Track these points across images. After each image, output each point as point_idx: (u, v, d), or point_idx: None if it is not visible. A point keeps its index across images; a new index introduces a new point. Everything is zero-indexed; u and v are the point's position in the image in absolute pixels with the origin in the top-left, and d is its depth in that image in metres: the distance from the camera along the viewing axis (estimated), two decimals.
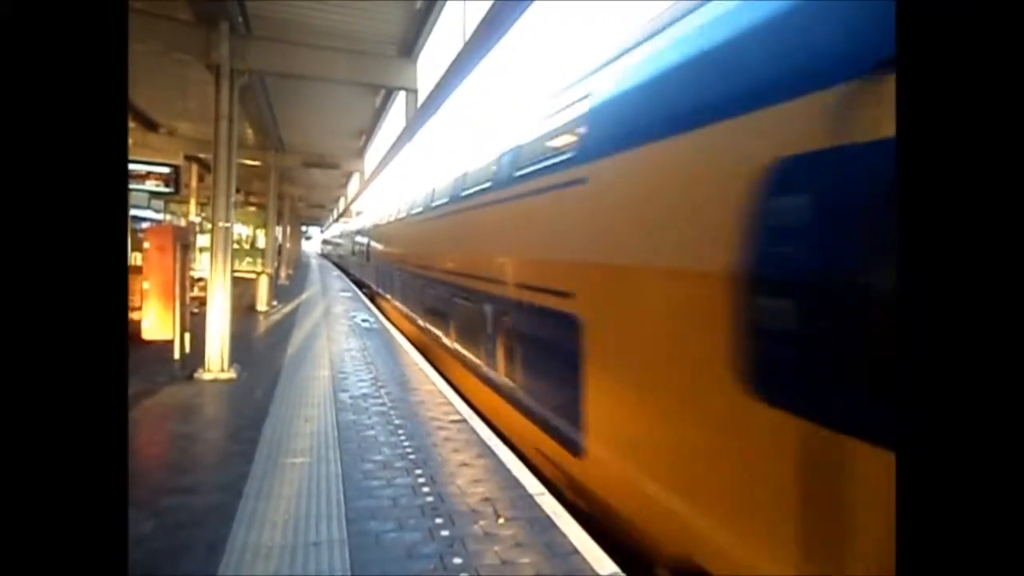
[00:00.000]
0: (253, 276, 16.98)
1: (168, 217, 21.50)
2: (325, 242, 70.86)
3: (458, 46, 6.28)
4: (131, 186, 12.40)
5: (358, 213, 33.96)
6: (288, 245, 28.30)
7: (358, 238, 27.29)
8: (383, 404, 6.42)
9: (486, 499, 4.08)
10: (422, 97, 8.46)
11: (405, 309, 12.83)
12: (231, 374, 7.46)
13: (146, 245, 7.58)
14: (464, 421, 5.94)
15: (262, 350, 9.45)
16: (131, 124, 12.97)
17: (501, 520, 3.78)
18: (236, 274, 9.41)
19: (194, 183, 16.56)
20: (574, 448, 4.41)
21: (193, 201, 17.28)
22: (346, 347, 9.90)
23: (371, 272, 20.85)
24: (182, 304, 7.43)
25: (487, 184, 6.84)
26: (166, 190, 13.66)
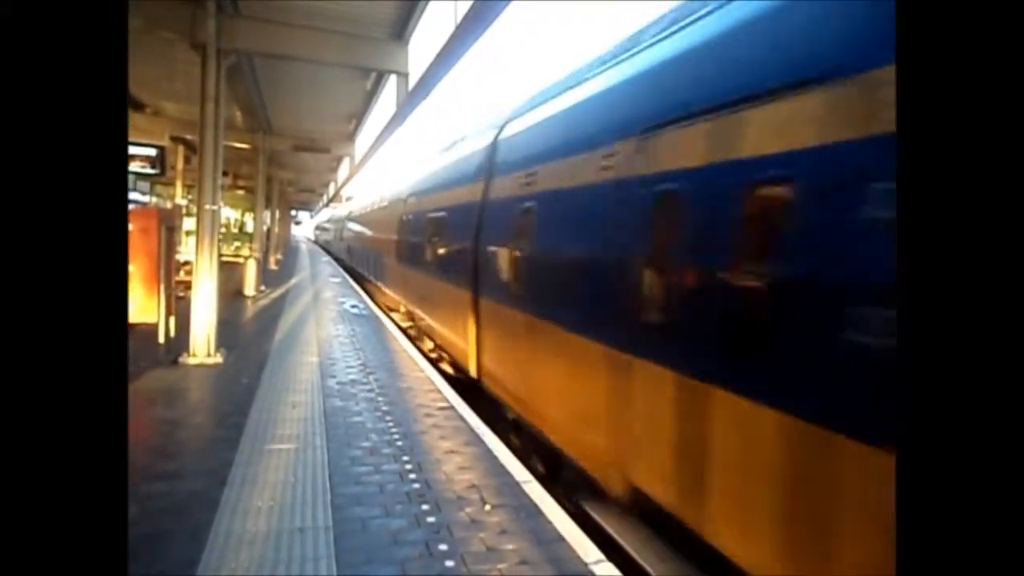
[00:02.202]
0: (241, 261, 16.80)
1: (154, 199, 21.18)
2: (319, 228, 62.64)
3: (450, 29, 6.19)
4: None
5: (347, 199, 33.07)
6: (277, 230, 28.01)
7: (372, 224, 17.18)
8: (371, 390, 6.40)
9: (473, 486, 4.08)
10: (413, 81, 8.35)
11: None
12: (217, 359, 7.40)
13: (130, 227, 7.43)
14: (452, 408, 5.93)
15: (249, 335, 9.37)
16: None
17: (488, 507, 3.78)
18: (224, 258, 9.29)
19: (180, 165, 16.30)
20: None
21: (179, 183, 17.03)
22: (334, 333, 9.85)
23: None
24: (167, 287, 7.32)
25: None
26: (152, 171, 13.39)
